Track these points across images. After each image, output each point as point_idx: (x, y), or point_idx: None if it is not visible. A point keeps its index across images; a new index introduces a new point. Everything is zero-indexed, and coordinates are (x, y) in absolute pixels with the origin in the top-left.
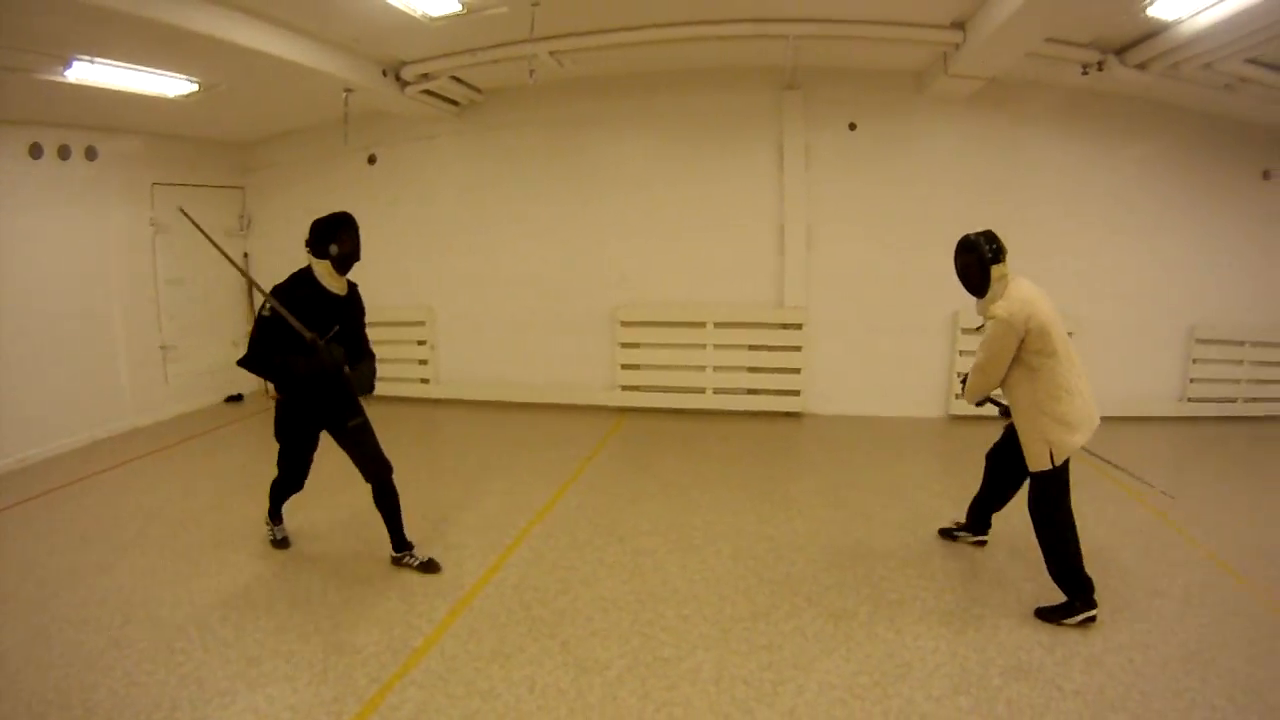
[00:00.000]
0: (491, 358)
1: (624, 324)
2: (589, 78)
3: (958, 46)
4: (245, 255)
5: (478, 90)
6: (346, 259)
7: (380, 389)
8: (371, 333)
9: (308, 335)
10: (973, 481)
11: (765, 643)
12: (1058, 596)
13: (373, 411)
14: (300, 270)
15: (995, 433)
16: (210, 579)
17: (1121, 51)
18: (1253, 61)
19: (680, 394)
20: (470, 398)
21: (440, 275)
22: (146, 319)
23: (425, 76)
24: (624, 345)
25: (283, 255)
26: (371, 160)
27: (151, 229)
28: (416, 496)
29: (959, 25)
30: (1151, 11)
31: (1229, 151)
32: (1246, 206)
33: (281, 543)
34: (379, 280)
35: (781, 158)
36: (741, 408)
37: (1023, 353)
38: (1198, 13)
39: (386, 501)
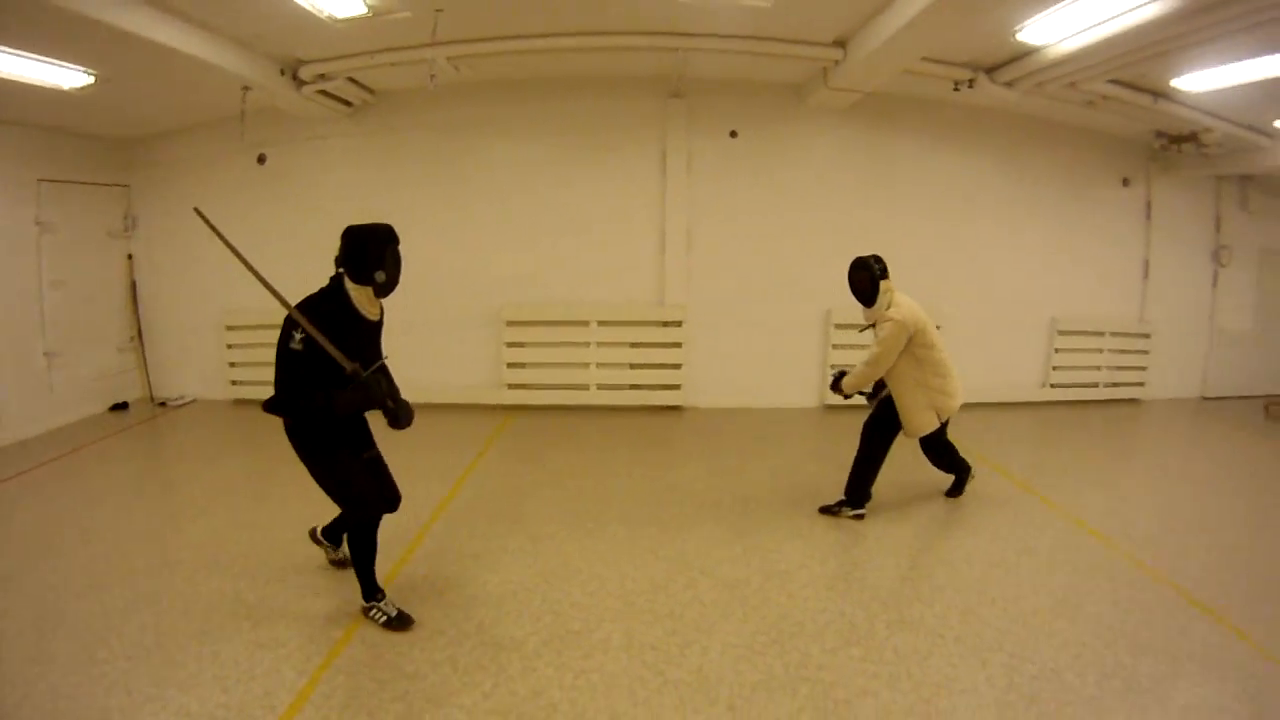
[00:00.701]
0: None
1: (510, 323)
2: (481, 82)
3: (838, 63)
4: (130, 257)
5: (371, 91)
6: (391, 286)
7: (265, 392)
8: (254, 335)
9: (349, 367)
10: (845, 463)
11: (667, 611)
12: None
13: (256, 415)
14: (330, 288)
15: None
16: (121, 590)
17: (992, 70)
18: (1114, 81)
19: (565, 391)
20: None
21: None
22: (29, 325)
23: (322, 77)
24: (510, 345)
25: (168, 256)
26: (261, 160)
27: (36, 228)
28: (309, 502)
29: (840, 43)
30: (1021, 36)
31: (1092, 160)
32: (1108, 210)
33: (402, 619)
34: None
35: (665, 163)
36: (624, 403)
37: (911, 346)
38: (1063, 39)
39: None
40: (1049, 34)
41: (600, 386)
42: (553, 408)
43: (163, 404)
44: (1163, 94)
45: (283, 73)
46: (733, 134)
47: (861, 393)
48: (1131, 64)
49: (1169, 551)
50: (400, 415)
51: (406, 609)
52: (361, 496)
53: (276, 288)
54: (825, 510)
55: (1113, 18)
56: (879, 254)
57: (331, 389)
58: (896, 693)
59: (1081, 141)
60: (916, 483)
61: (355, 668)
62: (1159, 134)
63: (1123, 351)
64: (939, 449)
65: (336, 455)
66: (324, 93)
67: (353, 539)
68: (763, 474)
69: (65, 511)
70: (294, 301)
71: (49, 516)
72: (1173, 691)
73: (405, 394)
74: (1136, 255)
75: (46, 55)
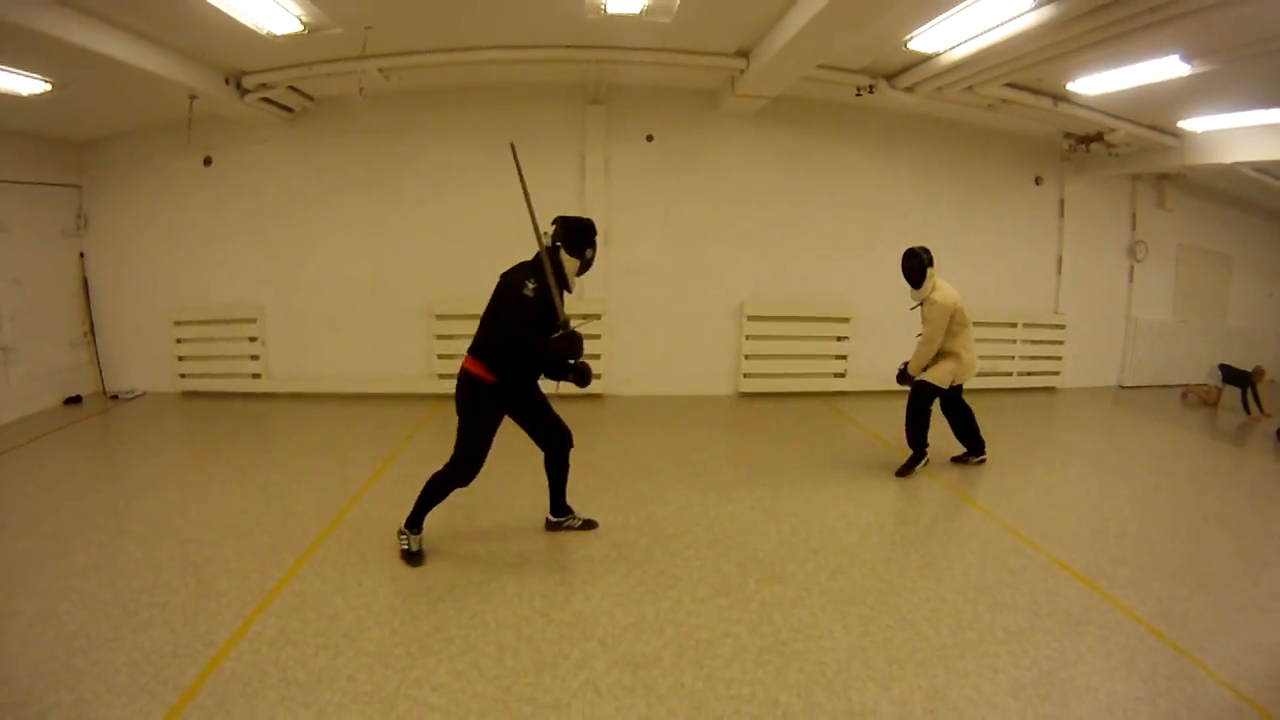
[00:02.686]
0: (320, 352)
1: (439, 317)
2: (413, 89)
3: (743, 71)
4: (81, 255)
5: (310, 98)
6: (590, 264)
7: (212, 384)
8: (204, 330)
9: (563, 317)
10: (755, 444)
11: (559, 566)
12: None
13: (204, 407)
14: (550, 252)
15: (776, 406)
16: (79, 556)
17: (891, 77)
18: (1012, 85)
19: None
20: (301, 391)
21: (272, 274)
22: None
23: (264, 86)
24: (439, 337)
25: (118, 254)
26: (207, 162)
27: None
28: (247, 481)
29: (744, 53)
30: (912, 45)
31: (1004, 160)
32: (1021, 208)
33: (417, 556)
34: (212, 278)
35: (584, 166)
36: (547, 391)
37: (950, 324)
38: (953, 47)
39: (557, 467)
40: (938, 42)
41: None
42: None
43: (114, 397)
44: (1062, 97)
45: (227, 82)
46: (649, 138)
47: (901, 380)
48: (1022, 69)
49: (1047, 522)
50: (588, 373)
51: (337, 568)
52: (477, 460)
53: (539, 231)
54: (957, 460)
55: (995, 26)
56: (926, 246)
57: (550, 336)
58: (756, 635)
59: (993, 142)
60: (819, 457)
61: (286, 611)
62: (1067, 135)
63: (1037, 342)
64: (922, 396)
65: (493, 416)
66: (266, 100)
67: (440, 484)
68: (668, 453)
69: (25, 494)
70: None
71: (8, 498)
72: (1028, 644)
73: (333, 385)
74: (1050, 251)
75: (6, 65)
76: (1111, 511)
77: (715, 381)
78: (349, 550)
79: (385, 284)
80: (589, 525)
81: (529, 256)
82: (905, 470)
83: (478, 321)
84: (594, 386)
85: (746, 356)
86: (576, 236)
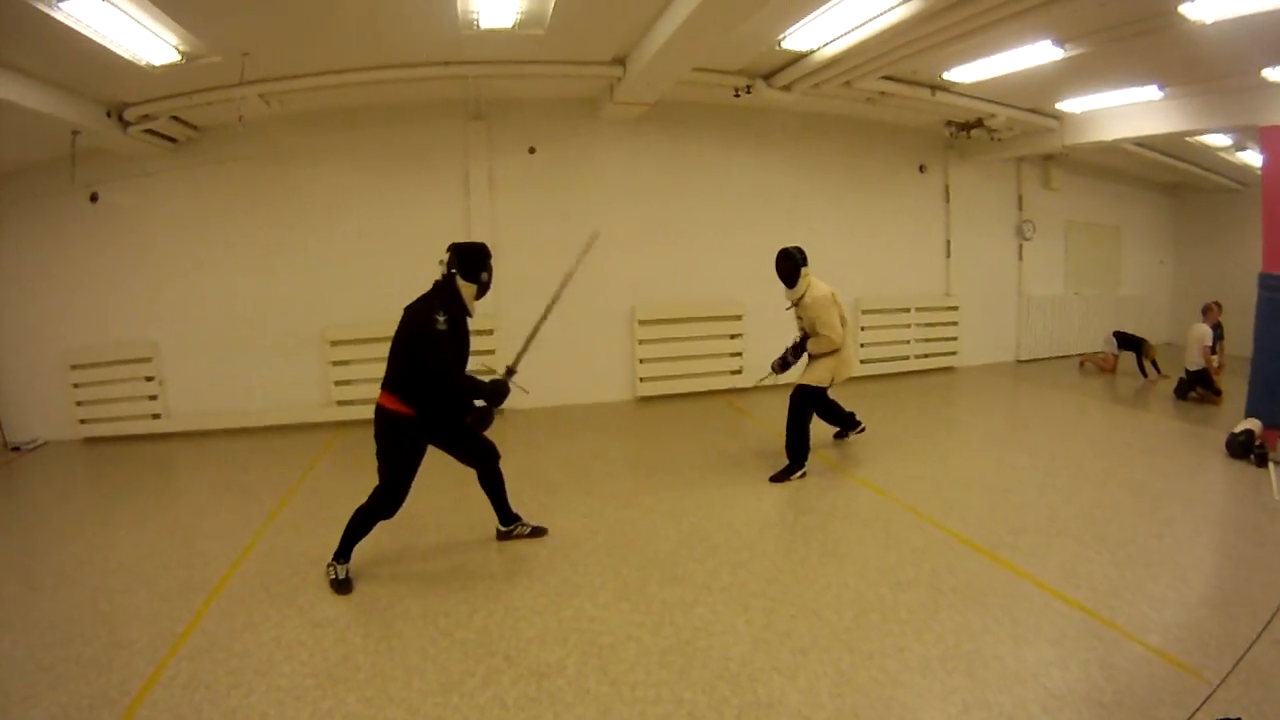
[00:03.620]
0: (218, 387)
1: (333, 343)
2: (298, 114)
3: (620, 79)
4: None
5: (195, 128)
6: (488, 287)
7: (112, 428)
8: (99, 372)
9: (493, 379)
10: (655, 447)
11: (461, 584)
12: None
13: (106, 452)
14: (445, 284)
15: (675, 407)
16: None
17: (768, 76)
18: (888, 79)
19: None
20: (201, 428)
21: (164, 310)
22: None
23: (146, 117)
24: (335, 363)
25: (8, 300)
26: (93, 199)
27: None
28: (149, 529)
29: (620, 61)
30: (786, 45)
31: (888, 151)
32: (906, 197)
33: (345, 584)
34: (105, 317)
35: (468, 182)
36: None
37: None
38: (825, 44)
39: (492, 482)
40: (810, 41)
41: None
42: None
43: (16, 449)
44: (940, 87)
45: (109, 115)
46: (531, 150)
47: (779, 366)
48: (896, 62)
49: (947, 499)
50: (488, 420)
51: (245, 605)
52: (399, 493)
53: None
54: (838, 437)
55: (864, 23)
56: (800, 246)
57: (476, 381)
58: (658, 637)
59: (876, 134)
60: (718, 455)
61: (196, 653)
62: (948, 123)
63: (931, 325)
64: (826, 407)
65: (414, 451)
66: (150, 131)
67: (364, 517)
68: (568, 463)
69: None
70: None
71: None
72: (932, 621)
73: (234, 420)
74: (938, 236)
75: None
76: (1012, 482)
77: (613, 388)
78: (255, 586)
79: (278, 313)
80: (538, 532)
81: (421, 280)
82: (781, 477)
83: (371, 346)
84: None
85: (641, 361)
86: (471, 262)
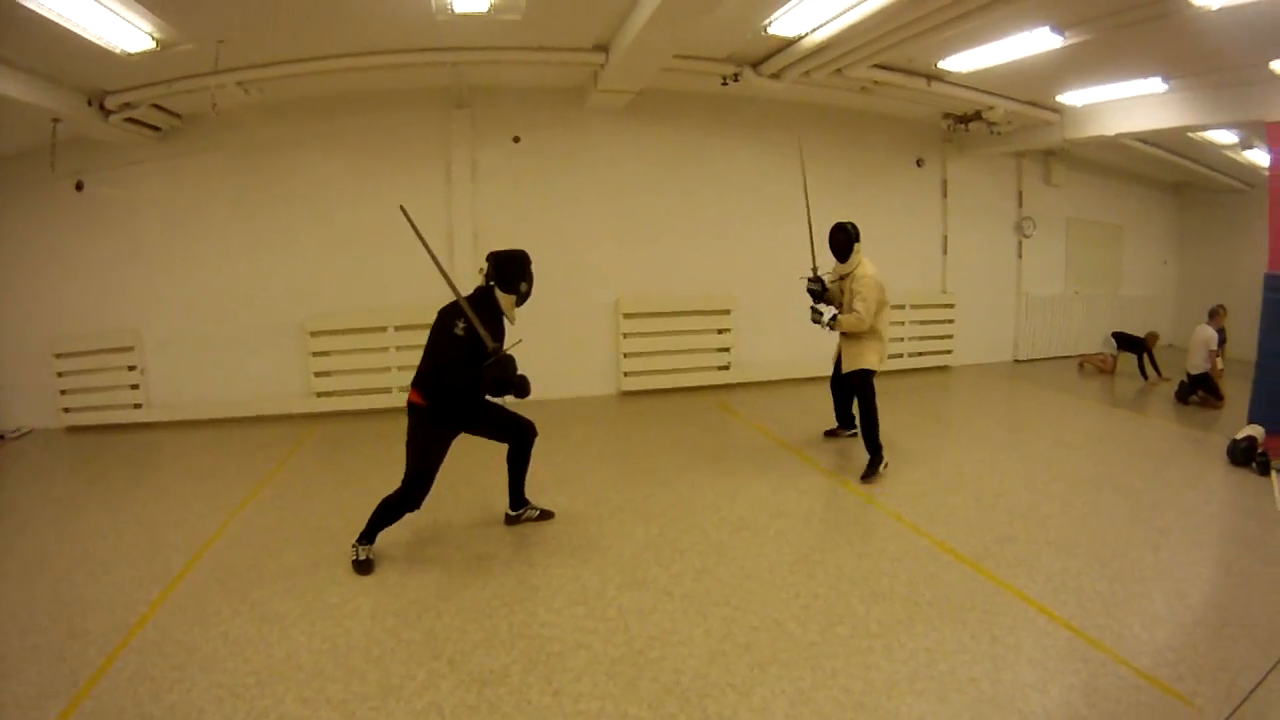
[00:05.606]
0: (199, 377)
1: (313, 334)
2: (279, 103)
3: (603, 66)
4: None
5: (178, 116)
6: (528, 297)
7: (87, 418)
8: (83, 361)
9: (491, 345)
10: (633, 444)
11: (415, 583)
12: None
13: (87, 441)
14: (483, 292)
15: (660, 403)
16: None
17: (757, 64)
18: (881, 67)
19: (370, 395)
20: (181, 418)
21: (148, 299)
22: None
23: (127, 105)
24: (315, 354)
25: None
26: (79, 187)
27: None
28: (124, 519)
29: (602, 48)
30: (773, 30)
31: (884, 144)
32: (903, 191)
33: (366, 565)
34: (90, 306)
35: (450, 171)
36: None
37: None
38: (814, 29)
39: (518, 460)
40: (798, 25)
41: (402, 389)
42: (361, 412)
43: (1, 437)
44: (936, 76)
45: (90, 104)
46: (516, 139)
47: (822, 322)
48: (888, 48)
49: (932, 504)
50: (526, 385)
51: (199, 599)
52: (424, 484)
53: (454, 284)
54: (828, 434)
55: (854, 5)
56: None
57: (479, 369)
58: (610, 645)
59: (872, 126)
60: (697, 454)
61: (146, 647)
62: (946, 115)
63: (926, 323)
64: (865, 386)
65: (437, 442)
66: (132, 120)
67: (390, 508)
68: (542, 458)
69: None
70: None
71: None
72: (904, 636)
73: (214, 410)
74: (935, 232)
75: None
76: (1002, 487)
77: (596, 382)
78: (211, 580)
79: (259, 303)
80: (545, 515)
81: (402, 270)
82: (869, 475)
83: (352, 337)
84: None
85: (625, 355)
86: (509, 272)
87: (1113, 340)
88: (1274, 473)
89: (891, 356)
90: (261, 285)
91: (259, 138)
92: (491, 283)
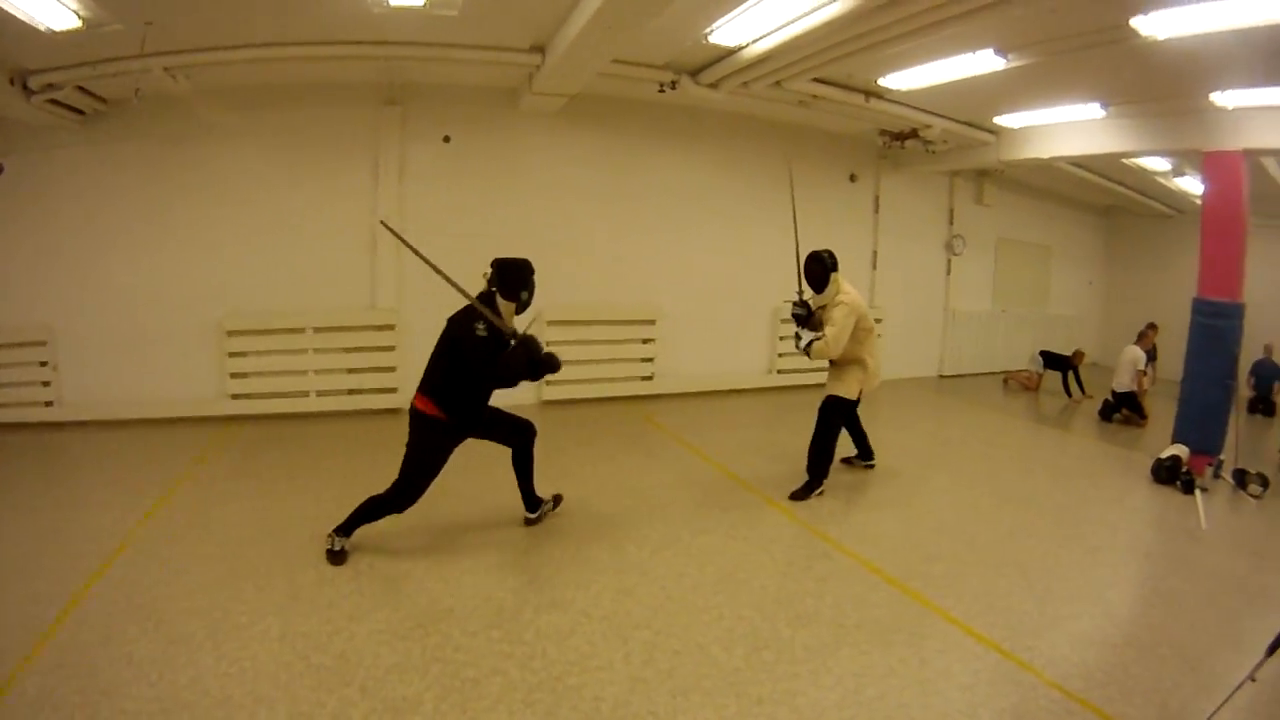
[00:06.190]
0: (114, 375)
1: (231, 333)
2: (207, 91)
3: (539, 67)
4: None
5: (103, 100)
6: (528, 305)
7: (3, 415)
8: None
9: (508, 331)
10: (554, 455)
11: (327, 602)
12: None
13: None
14: (485, 296)
15: (584, 413)
16: None
17: (695, 72)
18: (821, 81)
19: (287, 399)
20: (94, 418)
21: (62, 291)
22: None
23: (51, 86)
24: (232, 354)
25: None
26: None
27: None
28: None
29: (539, 49)
30: (714, 39)
31: (819, 158)
32: (836, 206)
33: (340, 556)
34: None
35: (377, 169)
36: (344, 408)
37: (855, 329)
38: (755, 40)
39: (523, 461)
40: (739, 35)
41: (320, 393)
42: (276, 416)
43: None
44: (875, 93)
45: (12, 82)
46: (446, 139)
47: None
48: (828, 63)
49: (858, 522)
50: (555, 360)
51: (103, 615)
52: (418, 490)
53: (459, 284)
54: (845, 461)
55: (797, 18)
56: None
57: (508, 359)
58: (527, 671)
59: (808, 140)
60: (619, 467)
61: (47, 668)
62: (882, 132)
63: None
64: (854, 424)
65: (442, 452)
66: (54, 102)
67: (376, 506)
68: (460, 470)
69: None
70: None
71: None
72: (831, 661)
73: (128, 410)
74: (865, 246)
75: None
76: (928, 506)
77: (518, 391)
78: (117, 595)
79: (178, 299)
80: (558, 500)
81: (328, 266)
82: (801, 495)
83: (271, 338)
84: (391, 400)
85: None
86: (511, 279)
87: (1039, 358)
88: (1198, 491)
89: (817, 370)
90: (180, 281)
91: (185, 127)
92: (494, 288)
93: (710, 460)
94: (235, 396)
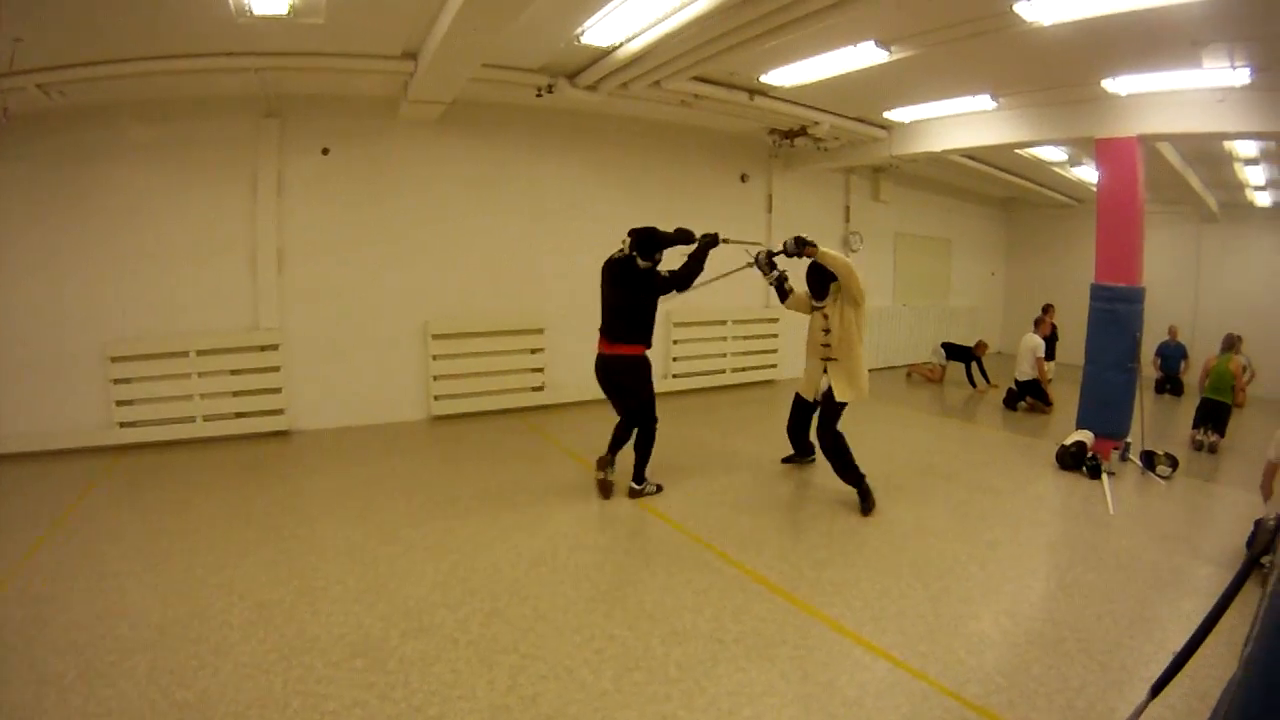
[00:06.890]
0: None
1: (114, 359)
2: (82, 108)
3: (412, 74)
4: None
5: None
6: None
7: None
8: None
9: (692, 235)
10: (439, 472)
11: (196, 637)
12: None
13: None
14: (629, 259)
15: (472, 427)
16: None
17: (572, 75)
18: (702, 80)
19: (173, 425)
20: None
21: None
22: None
23: None
24: (116, 381)
25: None
26: None
27: None
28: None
29: (410, 55)
30: (586, 40)
31: (709, 159)
32: (727, 206)
33: (657, 488)
34: None
35: (256, 184)
36: (231, 432)
37: (858, 315)
38: (628, 39)
39: (643, 441)
40: (610, 35)
41: (206, 418)
42: (165, 443)
43: None
44: (758, 91)
45: None
46: (324, 151)
47: (774, 275)
48: (706, 60)
49: (744, 529)
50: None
51: None
52: (655, 412)
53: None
54: (786, 460)
55: (666, 16)
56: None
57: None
58: (387, 702)
59: (696, 141)
60: (504, 482)
61: None
62: (772, 131)
63: (749, 338)
64: (833, 418)
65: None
66: None
67: (648, 440)
68: (341, 490)
69: None
70: None
71: None
72: (706, 680)
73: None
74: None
75: None
76: (818, 508)
77: (406, 407)
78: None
79: (57, 325)
80: (659, 489)
81: (209, 287)
82: (864, 507)
83: (157, 363)
84: (278, 423)
85: (435, 378)
86: (649, 245)
87: (941, 350)
88: (1104, 475)
89: (714, 372)
90: (60, 307)
91: (62, 146)
92: (633, 253)
93: (589, 465)
94: (123, 425)
